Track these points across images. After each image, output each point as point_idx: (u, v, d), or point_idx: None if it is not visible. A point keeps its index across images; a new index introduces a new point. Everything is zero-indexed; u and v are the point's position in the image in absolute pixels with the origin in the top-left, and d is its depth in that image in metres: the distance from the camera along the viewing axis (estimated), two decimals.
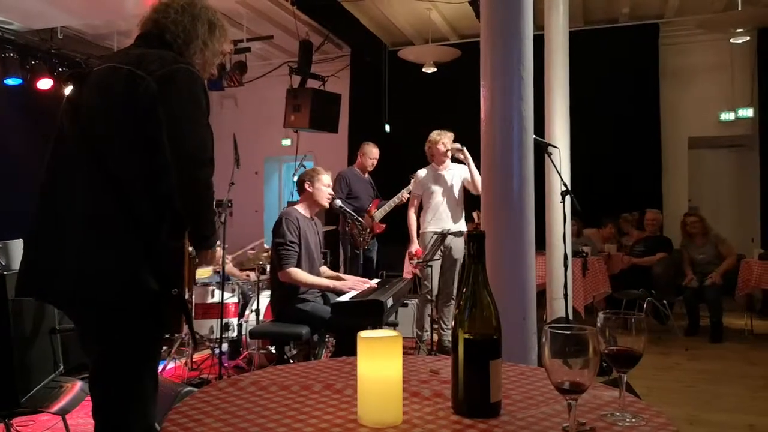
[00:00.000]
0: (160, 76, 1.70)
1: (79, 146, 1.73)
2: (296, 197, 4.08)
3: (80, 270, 1.67)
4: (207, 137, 1.76)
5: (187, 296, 1.78)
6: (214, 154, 1.81)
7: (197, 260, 1.86)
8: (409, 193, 5.44)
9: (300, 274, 3.61)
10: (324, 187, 3.83)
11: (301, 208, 3.82)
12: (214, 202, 1.82)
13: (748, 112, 7.57)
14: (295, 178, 6.17)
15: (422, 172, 5.23)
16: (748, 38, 7.01)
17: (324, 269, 4.08)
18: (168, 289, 1.69)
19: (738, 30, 6.62)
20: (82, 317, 1.80)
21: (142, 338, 1.75)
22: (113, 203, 1.67)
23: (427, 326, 5.00)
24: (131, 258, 1.67)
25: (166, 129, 1.67)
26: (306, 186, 3.82)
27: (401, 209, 5.66)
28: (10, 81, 6.60)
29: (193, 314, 4.37)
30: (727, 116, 7.66)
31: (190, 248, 1.82)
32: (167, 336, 1.77)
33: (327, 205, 3.91)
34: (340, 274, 4.24)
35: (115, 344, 1.73)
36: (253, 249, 5.41)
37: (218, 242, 1.90)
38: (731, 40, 7.03)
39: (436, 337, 5.20)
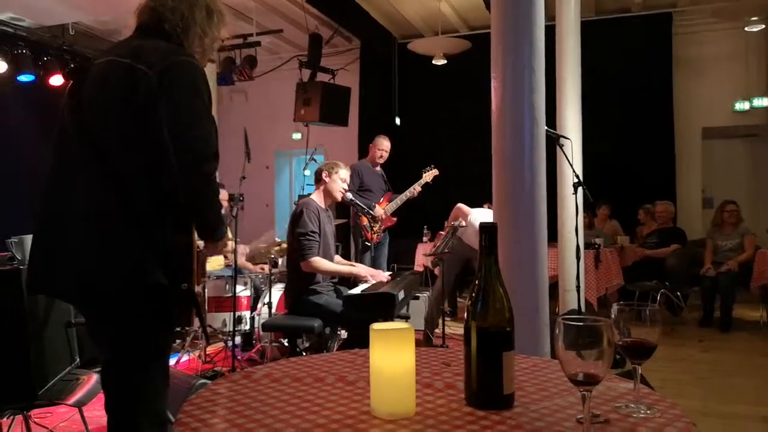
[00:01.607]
0: (160, 69, 1.67)
1: (80, 141, 1.71)
2: (307, 191, 4.09)
3: (81, 266, 1.66)
4: (210, 131, 1.73)
5: (197, 290, 1.79)
6: (226, 148, 1.80)
7: (206, 251, 1.86)
8: (422, 187, 5.48)
9: (323, 263, 3.65)
10: (340, 181, 3.86)
11: (317, 199, 3.85)
12: (225, 195, 1.81)
13: (763, 102, 7.47)
14: (307, 172, 6.18)
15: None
16: (763, 26, 6.91)
17: (338, 258, 4.12)
18: (177, 284, 1.69)
19: (753, 18, 6.54)
20: (88, 313, 1.80)
21: (149, 333, 1.75)
22: (114, 199, 1.66)
23: (439, 321, 5.00)
24: (133, 253, 1.65)
25: (168, 124, 1.65)
26: (323, 176, 3.85)
27: (413, 203, 5.67)
28: (23, 78, 6.65)
29: (206, 307, 4.41)
30: (742, 106, 7.57)
31: (200, 242, 1.83)
32: (178, 329, 1.77)
33: (339, 199, 3.94)
34: (353, 263, 4.27)
35: (123, 340, 1.73)
36: (264, 243, 5.41)
37: (230, 236, 1.90)
38: (746, 29, 6.94)
39: (448, 330, 5.20)
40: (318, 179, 3.91)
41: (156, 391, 1.78)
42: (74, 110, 1.75)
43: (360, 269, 3.94)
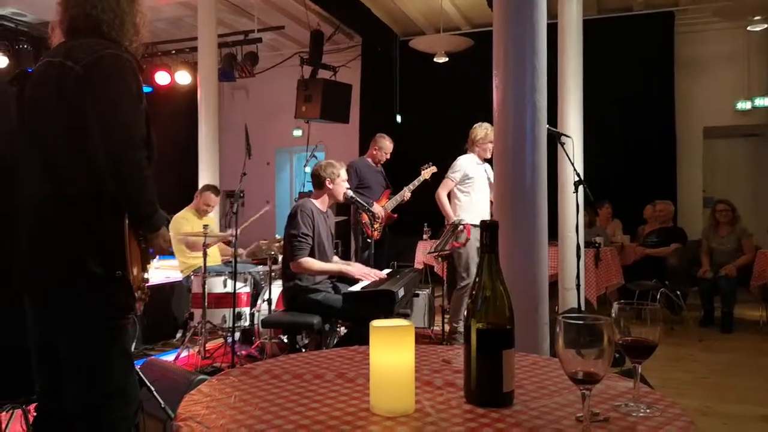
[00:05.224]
0: (86, 63, 1.74)
1: (26, 139, 1.82)
2: (308, 188, 4.08)
3: (24, 257, 1.75)
4: (136, 119, 1.78)
5: (145, 277, 1.86)
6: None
7: (144, 245, 1.89)
8: (415, 186, 5.46)
9: (311, 263, 3.63)
10: (343, 183, 3.86)
11: (317, 202, 3.83)
12: (149, 186, 1.81)
13: (764, 101, 7.47)
14: (307, 169, 6.17)
15: (465, 159, 5.04)
16: (765, 26, 6.90)
17: (336, 259, 4.10)
18: (112, 271, 1.73)
19: (755, 17, 6.52)
20: (34, 304, 1.84)
21: (95, 319, 1.77)
22: (53, 192, 1.74)
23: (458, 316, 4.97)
24: (70, 243, 1.72)
25: (93, 112, 1.71)
26: (327, 183, 3.82)
27: (412, 199, 5.66)
28: None
29: (206, 303, 4.41)
30: (744, 105, 7.56)
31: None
32: (128, 316, 1.83)
33: (342, 200, 3.94)
34: (349, 262, 4.25)
35: (73, 327, 1.77)
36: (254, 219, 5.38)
37: (165, 224, 1.90)
38: (748, 28, 6.93)
39: (447, 327, 5.20)
40: (318, 183, 3.87)
41: (118, 371, 1.82)
42: (20, 112, 1.86)
43: (353, 269, 3.88)
